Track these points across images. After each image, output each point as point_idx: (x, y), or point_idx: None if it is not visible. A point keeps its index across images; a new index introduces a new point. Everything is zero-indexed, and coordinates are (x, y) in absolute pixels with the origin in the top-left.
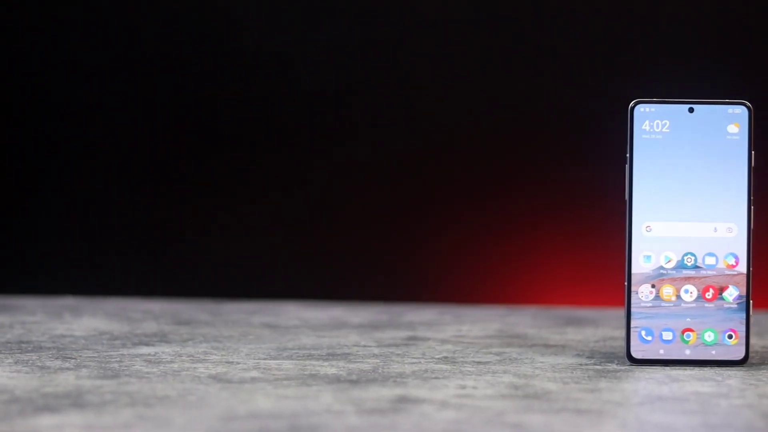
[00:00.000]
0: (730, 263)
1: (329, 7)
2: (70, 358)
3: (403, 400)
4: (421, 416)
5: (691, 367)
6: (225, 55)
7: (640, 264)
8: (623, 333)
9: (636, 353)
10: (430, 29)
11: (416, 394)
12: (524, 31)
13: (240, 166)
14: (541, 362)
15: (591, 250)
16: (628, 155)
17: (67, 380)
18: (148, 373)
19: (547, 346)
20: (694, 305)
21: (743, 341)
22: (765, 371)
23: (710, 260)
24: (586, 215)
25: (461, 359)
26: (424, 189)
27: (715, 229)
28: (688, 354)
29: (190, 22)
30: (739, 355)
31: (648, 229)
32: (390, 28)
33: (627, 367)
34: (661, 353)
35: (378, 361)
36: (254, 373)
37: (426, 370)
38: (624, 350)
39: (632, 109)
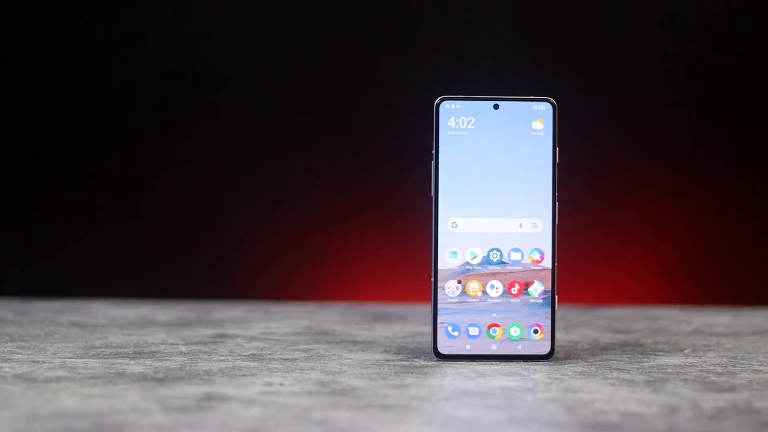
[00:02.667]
0: (536, 259)
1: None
2: None
3: (209, 397)
4: (228, 414)
5: (498, 362)
6: None
7: (447, 260)
8: (430, 329)
9: (443, 349)
10: (234, 27)
11: (223, 392)
12: (330, 29)
13: (44, 163)
14: (349, 358)
15: (398, 247)
16: (433, 152)
17: None
18: None
19: (354, 342)
20: (500, 301)
21: (549, 336)
22: (570, 365)
23: (516, 256)
24: (392, 212)
25: (269, 356)
26: (230, 187)
27: (521, 224)
28: (494, 349)
29: None
30: (545, 349)
31: (454, 225)
32: (195, 25)
33: (434, 362)
34: (468, 348)
35: (185, 359)
36: (60, 372)
37: (233, 368)
38: (431, 346)
39: (438, 105)
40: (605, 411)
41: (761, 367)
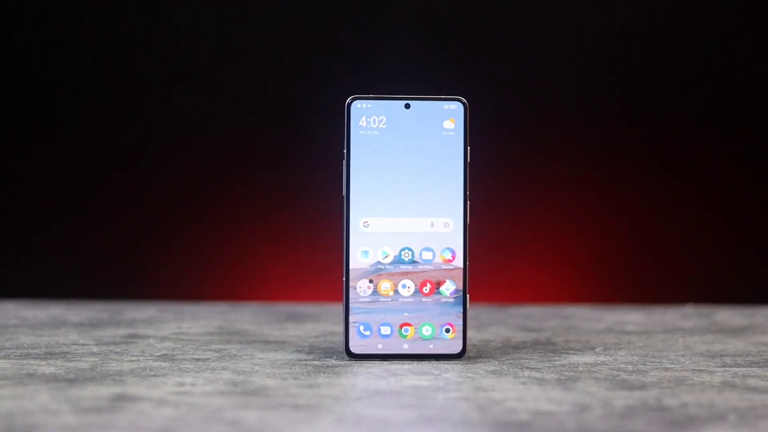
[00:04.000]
0: (447, 258)
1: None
2: None
3: (120, 398)
4: (138, 414)
5: (410, 361)
6: None
7: (358, 259)
8: (342, 328)
9: (355, 348)
10: (148, 29)
11: (134, 392)
12: (239, 29)
13: None
14: (261, 358)
15: (310, 247)
16: (345, 151)
17: None
18: None
19: (267, 342)
20: (411, 300)
21: (460, 335)
22: (482, 364)
23: (427, 255)
24: (305, 211)
25: (180, 356)
26: (142, 187)
27: (432, 224)
28: (406, 348)
29: None
30: (457, 348)
31: (365, 224)
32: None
33: (346, 362)
34: (380, 348)
35: (96, 359)
36: None
37: (145, 368)
38: (343, 345)
39: (349, 105)
40: (516, 410)
41: (672, 365)
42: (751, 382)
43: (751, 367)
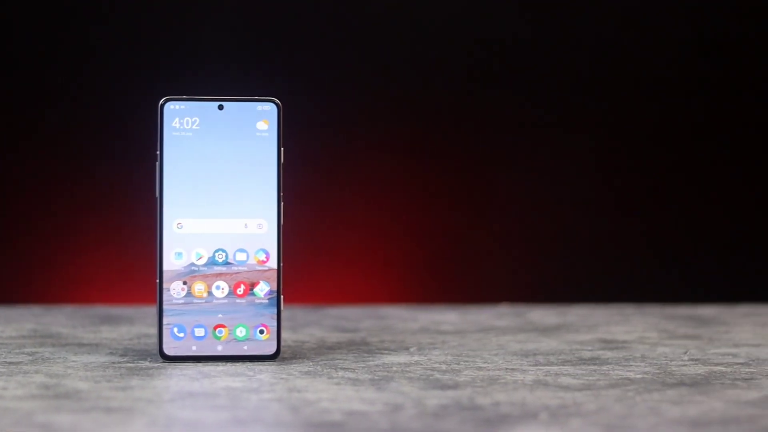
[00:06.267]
0: (261, 259)
1: None
2: None
3: None
4: None
5: (224, 363)
6: None
7: (172, 261)
8: (156, 330)
9: (168, 350)
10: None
11: None
12: (57, 27)
13: None
14: (74, 361)
15: (125, 248)
16: (158, 152)
17: None
18: None
19: (80, 345)
20: (225, 301)
21: (275, 336)
22: (296, 365)
23: (241, 256)
24: (118, 213)
25: None
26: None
27: (246, 225)
28: (220, 350)
29: None
30: (271, 349)
31: (179, 226)
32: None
33: (160, 364)
34: (194, 350)
35: None
36: None
37: None
38: (157, 347)
39: (162, 106)
40: (329, 410)
41: (485, 365)
42: (563, 380)
43: (564, 365)
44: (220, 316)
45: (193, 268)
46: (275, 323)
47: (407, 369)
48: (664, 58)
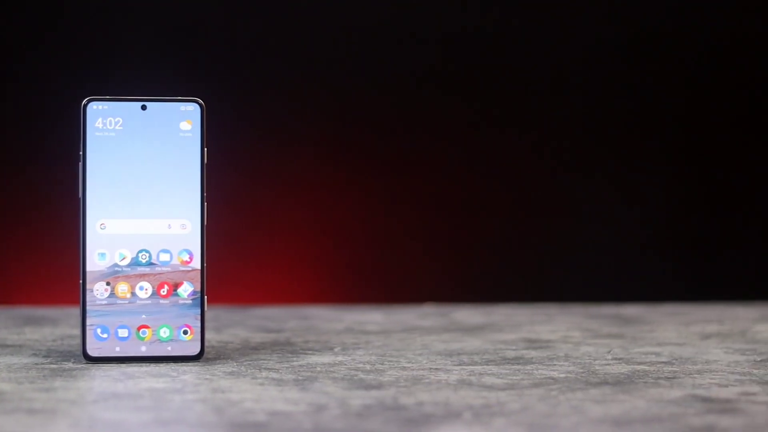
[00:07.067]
0: (185, 259)
1: None
2: None
3: None
4: None
5: (148, 364)
6: None
7: (95, 262)
8: (80, 331)
9: (92, 351)
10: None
11: None
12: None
13: None
14: None
15: (48, 249)
16: (81, 153)
17: None
18: None
19: (3, 346)
20: (149, 302)
21: (198, 337)
22: (220, 366)
23: (165, 257)
24: (42, 214)
25: None
26: None
27: (170, 225)
28: (144, 351)
29: None
30: (195, 350)
31: (102, 226)
32: None
33: (83, 365)
34: (118, 350)
35: None
36: None
37: None
38: (80, 348)
39: (85, 106)
40: (253, 410)
41: (409, 364)
42: (487, 380)
43: (488, 365)
44: (143, 316)
45: (116, 268)
46: (199, 324)
47: (331, 369)
48: (558, 58)
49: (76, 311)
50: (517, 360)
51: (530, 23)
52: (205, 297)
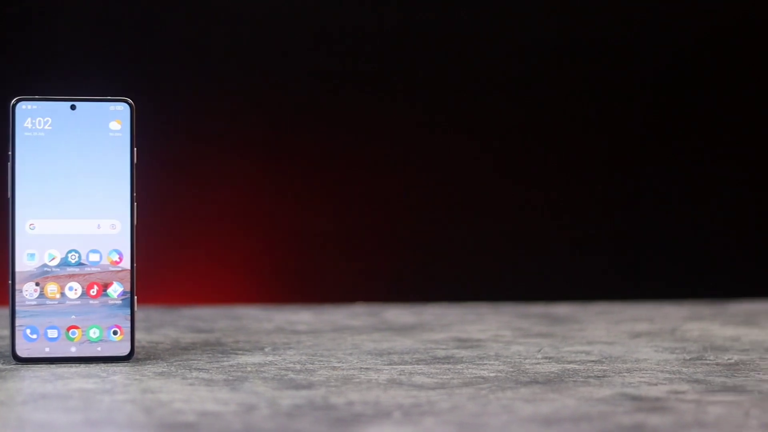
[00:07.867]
0: (114, 260)
1: None
2: None
3: None
4: None
5: (78, 364)
6: None
7: (24, 262)
8: (9, 332)
9: (21, 352)
10: None
11: None
12: None
13: None
14: None
15: None
16: (10, 153)
17: None
18: None
19: None
20: (79, 302)
21: (128, 337)
22: (150, 366)
23: (94, 257)
24: None
25: None
26: None
27: (99, 225)
28: (73, 351)
29: None
30: (125, 350)
31: (31, 227)
32: None
33: (12, 366)
34: (47, 351)
35: None
36: None
37: None
38: (9, 349)
39: (13, 106)
40: (183, 411)
41: (339, 364)
42: (417, 379)
43: (418, 364)
44: (73, 317)
45: (45, 269)
46: (129, 324)
47: (261, 369)
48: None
49: (4, 312)
50: (447, 359)
51: (477, 20)
52: (135, 297)
